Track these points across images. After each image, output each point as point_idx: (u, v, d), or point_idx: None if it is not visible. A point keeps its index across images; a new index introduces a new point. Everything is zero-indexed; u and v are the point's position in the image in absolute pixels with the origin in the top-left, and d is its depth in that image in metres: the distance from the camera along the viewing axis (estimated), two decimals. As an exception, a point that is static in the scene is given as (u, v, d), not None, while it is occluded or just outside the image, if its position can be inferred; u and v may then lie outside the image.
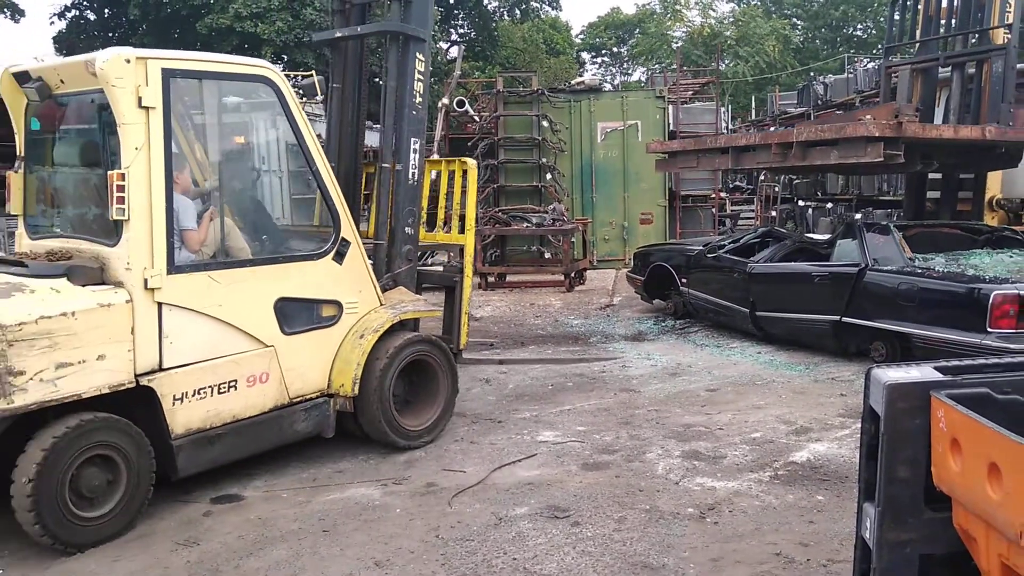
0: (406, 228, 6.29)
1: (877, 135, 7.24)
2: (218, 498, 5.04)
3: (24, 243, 5.34)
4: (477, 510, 4.76)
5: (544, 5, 36.48)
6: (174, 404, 4.76)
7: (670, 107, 16.69)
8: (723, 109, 21.65)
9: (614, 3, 65.60)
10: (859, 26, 48.59)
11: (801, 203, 16.89)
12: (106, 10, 29.09)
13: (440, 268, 7.83)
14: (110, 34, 29.12)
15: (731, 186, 22.96)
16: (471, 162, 6.91)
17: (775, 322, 8.73)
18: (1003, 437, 2.11)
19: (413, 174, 6.29)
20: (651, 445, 5.81)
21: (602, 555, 4.16)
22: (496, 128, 15.98)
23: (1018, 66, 9.35)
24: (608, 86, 35.93)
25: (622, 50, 52.06)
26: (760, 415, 6.45)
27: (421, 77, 6.24)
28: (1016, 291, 6.51)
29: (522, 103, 16.10)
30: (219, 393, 4.97)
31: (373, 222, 6.48)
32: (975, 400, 2.40)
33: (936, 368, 2.65)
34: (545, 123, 15.82)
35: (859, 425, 2.84)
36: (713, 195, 17.44)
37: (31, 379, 4.22)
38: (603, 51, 52.81)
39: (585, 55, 51.77)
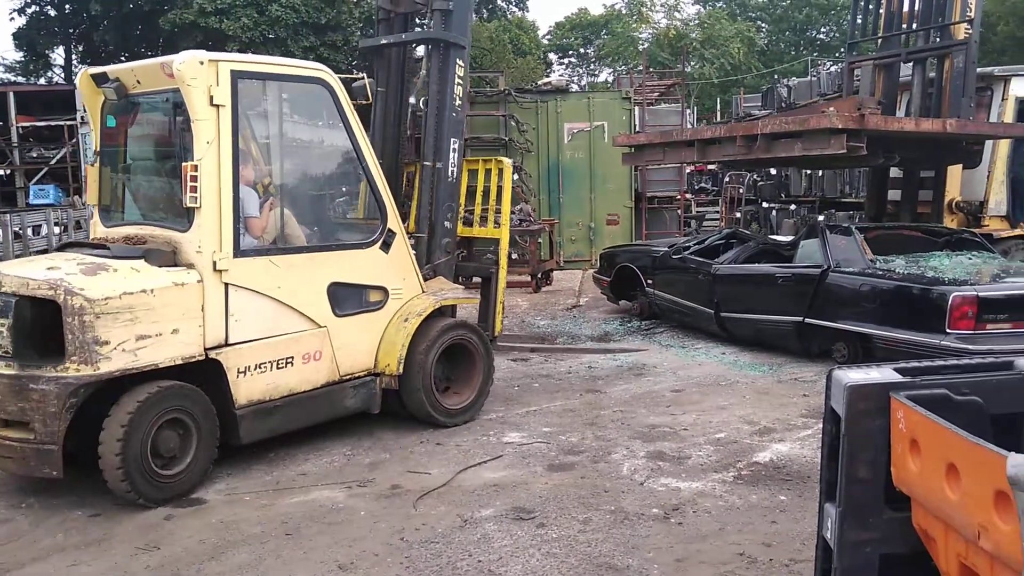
0: (445, 222, 6.73)
1: (840, 127, 7.30)
2: (179, 501, 4.96)
3: (99, 230, 5.79)
4: (442, 512, 4.74)
5: (511, 6, 36.53)
6: (238, 376, 5.22)
7: (636, 108, 16.70)
8: (689, 111, 21.74)
9: (581, 3, 65.75)
10: (822, 29, 49.24)
11: (765, 205, 16.98)
12: (67, 6, 28.63)
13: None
14: (71, 30, 28.69)
15: (696, 187, 23.06)
16: (507, 161, 7.25)
17: (739, 323, 8.79)
18: (961, 438, 2.14)
19: (452, 172, 6.72)
20: (616, 446, 5.82)
21: (567, 556, 4.16)
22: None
23: (979, 70, 9.48)
24: (575, 87, 35.96)
25: (589, 51, 52.22)
26: (724, 415, 6.49)
27: (461, 81, 6.66)
28: (975, 293, 6.60)
29: (489, 103, 16.07)
30: (278, 368, 5.44)
31: (414, 217, 6.81)
32: (934, 401, 2.42)
33: (896, 369, 2.68)
34: (512, 123, 15.81)
35: (821, 425, 2.86)
36: (679, 196, 17.51)
37: (115, 349, 4.67)
38: (570, 52, 52.91)
39: (552, 56, 51.82)
